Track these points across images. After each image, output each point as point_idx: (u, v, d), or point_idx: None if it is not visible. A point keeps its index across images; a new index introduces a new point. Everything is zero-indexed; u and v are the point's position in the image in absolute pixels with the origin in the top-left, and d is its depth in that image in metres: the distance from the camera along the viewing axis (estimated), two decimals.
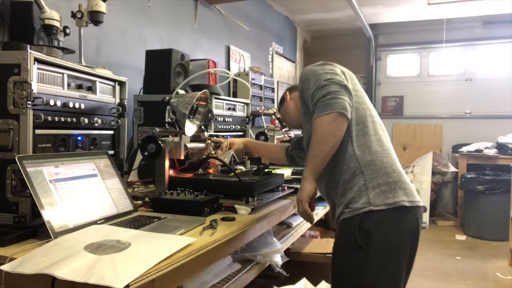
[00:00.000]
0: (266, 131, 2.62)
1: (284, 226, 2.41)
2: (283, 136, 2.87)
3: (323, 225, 3.62)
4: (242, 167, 2.24)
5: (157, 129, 1.61)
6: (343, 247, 1.36)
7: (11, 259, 0.93)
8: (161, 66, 2.30)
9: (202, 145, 1.81)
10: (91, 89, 1.54)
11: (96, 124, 1.55)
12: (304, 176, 1.36)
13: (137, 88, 2.43)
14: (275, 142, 2.77)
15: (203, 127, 1.90)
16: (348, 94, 1.32)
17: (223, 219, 1.40)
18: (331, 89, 1.29)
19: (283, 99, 1.76)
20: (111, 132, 1.66)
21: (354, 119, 1.37)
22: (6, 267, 0.89)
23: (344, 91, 1.31)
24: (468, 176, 4.89)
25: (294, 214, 2.17)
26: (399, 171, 1.37)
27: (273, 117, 3.32)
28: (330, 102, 1.28)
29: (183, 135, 1.71)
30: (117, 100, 1.71)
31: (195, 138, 1.83)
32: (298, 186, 1.46)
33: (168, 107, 1.68)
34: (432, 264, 3.84)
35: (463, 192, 5.08)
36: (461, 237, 4.78)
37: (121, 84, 1.72)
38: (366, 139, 1.37)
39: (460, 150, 5.46)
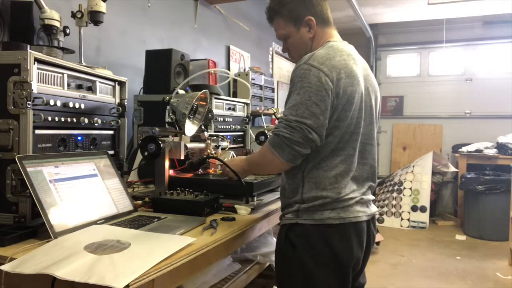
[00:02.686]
0: (266, 131, 2.62)
1: None
2: None
3: None
4: None
5: (157, 129, 1.61)
6: (277, 252, 1.37)
7: (11, 259, 0.93)
8: (161, 66, 2.30)
9: (202, 145, 1.81)
10: (91, 89, 1.54)
11: (96, 124, 1.55)
12: (242, 166, 1.46)
13: (137, 88, 2.43)
14: None
15: (203, 127, 1.90)
16: (310, 145, 1.23)
17: (223, 219, 1.40)
18: (293, 138, 1.21)
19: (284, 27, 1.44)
20: (111, 132, 1.66)
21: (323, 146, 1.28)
22: (6, 267, 0.89)
23: (305, 144, 1.22)
24: (468, 176, 4.89)
25: None
26: (344, 187, 1.29)
27: (273, 117, 3.32)
28: (283, 147, 1.23)
29: (183, 135, 1.71)
30: (117, 100, 1.71)
31: (195, 138, 1.83)
32: None
33: (168, 107, 1.68)
34: (432, 264, 3.84)
35: (463, 192, 5.08)
36: (461, 237, 4.78)
37: (121, 84, 1.72)
38: (322, 159, 1.29)
39: (460, 150, 5.46)
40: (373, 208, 1.41)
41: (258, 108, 3.76)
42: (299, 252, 1.28)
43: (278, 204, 1.74)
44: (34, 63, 1.23)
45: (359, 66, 1.36)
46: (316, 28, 1.41)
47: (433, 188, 5.43)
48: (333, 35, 1.45)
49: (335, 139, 1.28)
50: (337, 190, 1.28)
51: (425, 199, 5.24)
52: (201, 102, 1.77)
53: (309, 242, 1.27)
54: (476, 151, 5.29)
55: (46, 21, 1.60)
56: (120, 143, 1.71)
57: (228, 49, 4.11)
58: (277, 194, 1.83)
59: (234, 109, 2.72)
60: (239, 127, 2.77)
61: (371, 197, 1.42)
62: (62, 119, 1.37)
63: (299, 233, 1.28)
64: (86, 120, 1.48)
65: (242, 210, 1.51)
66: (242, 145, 2.82)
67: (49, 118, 1.31)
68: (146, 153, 1.57)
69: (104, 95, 1.62)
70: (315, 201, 1.27)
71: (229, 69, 4.07)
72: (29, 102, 1.21)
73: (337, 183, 1.28)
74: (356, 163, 1.33)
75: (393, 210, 5.33)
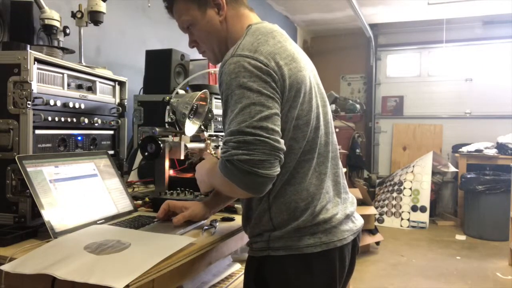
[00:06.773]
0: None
1: None
2: None
3: None
4: None
5: (157, 129, 1.61)
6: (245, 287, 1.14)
7: (11, 259, 0.93)
8: (161, 66, 2.30)
9: (202, 145, 1.81)
10: (91, 89, 1.54)
11: (96, 124, 1.55)
12: (204, 179, 1.17)
13: (137, 88, 2.42)
14: None
15: (203, 127, 1.90)
16: (279, 158, 0.93)
17: (223, 219, 1.40)
18: (254, 157, 0.89)
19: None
20: (111, 132, 1.66)
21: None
22: (6, 267, 0.89)
23: (272, 160, 0.91)
24: (468, 176, 4.89)
25: None
26: (318, 207, 1.03)
27: None
28: (241, 175, 0.91)
29: (183, 135, 1.71)
30: (117, 100, 1.71)
31: (195, 138, 1.83)
32: None
33: (168, 107, 1.68)
34: (432, 264, 3.84)
35: (463, 192, 5.08)
36: (461, 237, 4.78)
37: (121, 84, 1.73)
38: (293, 170, 1.03)
39: (460, 150, 5.47)
40: (360, 220, 1.16)
41: None
42: None
43: None
44: (34, 63, 1.23)
45: (294, 45, 1.12)
46: (226, 9, 1.12)
47: (433, 188, 5.43)
48: (251, 17, 1.16)
49: (300, 143, 1.02)
50: (313, 208, 1.02)
51: (425, 199, 5.24)
52: (201, 102, 1.77)
53: (286, 279, 1.02)
54: (476, 151, 5.30)
55: (46, 21, 1.60)
56: (120, 143, 1.71)
57: None
58: None
59: None
60: None
61: (354, 205, 1.15)
62: (62, 119, 1.37)
63: (273, 269, 1.04)
64: (86, 120, 1.48)
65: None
66: None
67: (49, 118, 1.31)
68: (146, 153, 1.57)
69: (104, 95, 1.62)
70: (288, 226, 1.02)
71: None
72: (29, 102, 1.21)
73: (312, 197, 1.03)
74: (328, 163, 1.08)
75: (393, 210, 5.33)
